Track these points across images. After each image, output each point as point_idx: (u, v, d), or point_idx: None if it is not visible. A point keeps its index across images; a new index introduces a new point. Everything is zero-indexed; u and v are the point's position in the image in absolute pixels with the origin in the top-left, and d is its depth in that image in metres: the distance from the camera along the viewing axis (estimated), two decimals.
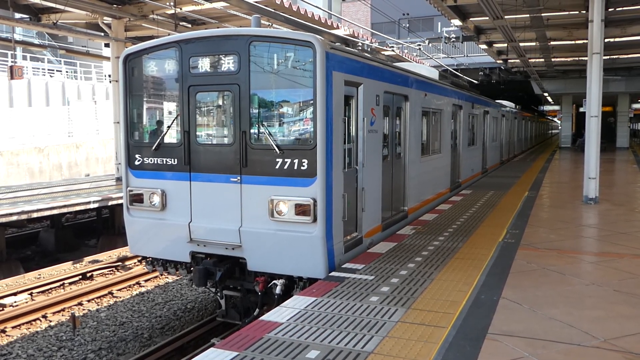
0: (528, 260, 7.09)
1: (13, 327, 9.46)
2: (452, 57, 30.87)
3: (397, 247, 7.74)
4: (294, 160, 6.61)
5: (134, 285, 11.83)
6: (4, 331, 9.26)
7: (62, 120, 26.74)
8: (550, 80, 34.21)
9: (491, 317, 5.05)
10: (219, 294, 7.86)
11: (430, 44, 29.07)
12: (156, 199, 7.52)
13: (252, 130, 6.87)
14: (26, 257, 14.95)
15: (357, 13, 46.58)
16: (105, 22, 17.34)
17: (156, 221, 7.60)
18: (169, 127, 7.47)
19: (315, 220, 6.52)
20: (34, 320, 9.80)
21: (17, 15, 16.50)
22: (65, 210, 13.83)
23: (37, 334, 9.22)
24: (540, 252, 7.59)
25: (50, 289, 11.54)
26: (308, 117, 6.66)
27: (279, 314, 5.19)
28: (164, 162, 7.48)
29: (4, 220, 12.37)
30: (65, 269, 13.08)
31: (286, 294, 6.74)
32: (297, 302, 5.50)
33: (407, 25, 33.46)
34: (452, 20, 18.14)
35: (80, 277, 12.27)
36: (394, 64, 10.19)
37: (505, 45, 20.53)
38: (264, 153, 6.79)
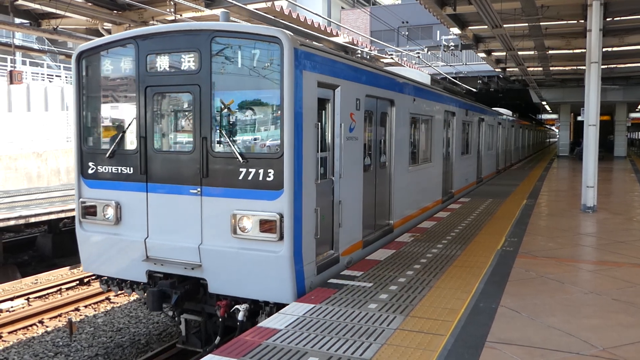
0: (526, 269, 7.09)
1: (9, 333, 9.42)
2: (451, 65, 31.01)
3: (395, 255, 7.74)
4: (259, 170, 5.97)
5: None
6: (0, 336, 9.23)
7: (61, 125, 26.72)
8: (548, 89, 34.37)
9: (490, 325, 5.05)
10: (176, 319, 7.20)
11: (429, 52, 29.26)
12: (110, 212, 6.85)
13: (213, 137, 6.22)
14: (23, 262, 14.90)
15: (356, 21, 46.77)
16: (105, 27, 17.36)
17: (110, 236, 6.91)
18: (124, 132, 6.79)
19: (281, 238, 5.86)
20: (31, 325, 9.77)
21: (17, 21, 16.52)
22: (62, 215, 13.83)
23: (34, 339, 9.18)
24: (538, 260, 7.60)
25: (47, 294, 11.52)
26: (275, 122, 6.04)
27: (277, 321, 5.18)
28: (119, 171, 6.82)
29: (1, 224, 12.35)
30: (63, 274, 13.05)
31: (251, 320, 6.19)
32: (296, 309, 5.50)
33: (407, 33, 33.61)
34: (451, 29, 18.23)
35: (78, 282, 12.24)
36: (382, 67, 9.74)
37: (504, 53, 20.63)
38: (226, 162, 6.15)
